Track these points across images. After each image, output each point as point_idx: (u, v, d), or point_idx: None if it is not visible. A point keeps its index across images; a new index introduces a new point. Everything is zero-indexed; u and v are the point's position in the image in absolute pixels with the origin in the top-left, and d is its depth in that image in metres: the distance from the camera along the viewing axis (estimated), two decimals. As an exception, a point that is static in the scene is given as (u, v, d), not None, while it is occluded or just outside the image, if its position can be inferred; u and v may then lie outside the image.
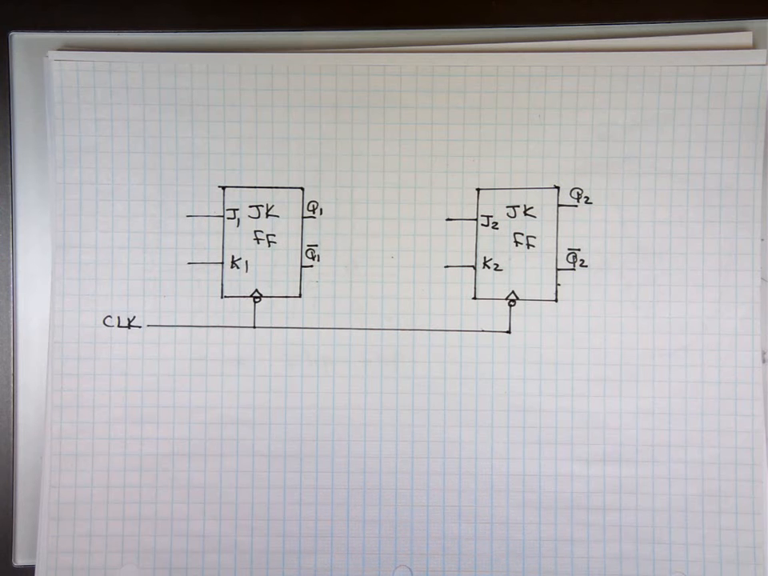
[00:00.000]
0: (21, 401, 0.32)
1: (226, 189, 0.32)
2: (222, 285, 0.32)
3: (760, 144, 0.31)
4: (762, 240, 0.32)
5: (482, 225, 0.32)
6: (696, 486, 0.31)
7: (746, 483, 0.31)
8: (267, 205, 0.32)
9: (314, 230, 0.32)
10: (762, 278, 0.31)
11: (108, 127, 0.32)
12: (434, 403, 0.32)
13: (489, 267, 0.32)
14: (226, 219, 0.32)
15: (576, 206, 0.32)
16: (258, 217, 0.32)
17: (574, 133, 0.31)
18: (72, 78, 0.31)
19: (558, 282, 0.32)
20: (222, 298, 0.32)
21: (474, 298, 0.32)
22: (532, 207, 0.32)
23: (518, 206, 0.32)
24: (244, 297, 0.32)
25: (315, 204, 0.32)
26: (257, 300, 0.32)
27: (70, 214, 0.32)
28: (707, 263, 0.31)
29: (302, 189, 0.32)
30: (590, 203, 0.32)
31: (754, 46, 0.31)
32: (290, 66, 0.32)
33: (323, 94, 0.32)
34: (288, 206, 0.32)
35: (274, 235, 0.32)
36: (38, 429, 0.32)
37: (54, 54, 0.32)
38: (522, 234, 0.32)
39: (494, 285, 0.32)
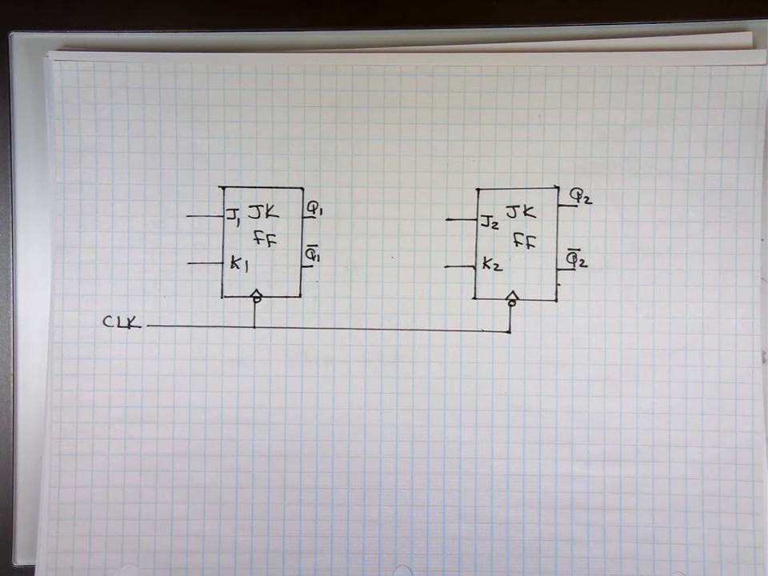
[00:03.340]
0: (21, 401, 0.32)
1: (226, 189, 0.32)
2: (222, 285, 0.32)
3: (760, 144, 0.31)
4: (762, 240, 0.32)
5: (482, 225, 0.32)
6: (696, 485, 0.31)
7: (745, 483, 0.31)
8: (267, 205, 0.32)
9: (314, 230, 0.32)
10: (762, 278, 0.31)
11: (108, 127, 0.32)
12: (434, 403, 0.32)
13: (489, 267, 0.32)
14: (225, 219, 0.32)
15: (576, 206, 0.32)
16: (258, 217, 0.32)
17: (574, 133, 0.31)
18: (72, 77, 0.31)
19: (558, 282, 0.32)
20: (222, 298, 0.32)
21: (474, 298, 0.32)
22: (532, 207, 0.32)
23: (518, 206, 0.32)
24: (244, 297, 0.32)
25: (315, 204, 0.32)
26: (257, 300, 0.32)
27: (69, 214, 0.32)
28: (707, 263, 0.31)
29: (302, 189, 0.32)
30: (590, 203, 0.32)
31: (754, 46, 0.31)
32: (290, 66, 0.32)
33: (323, 94, 0.32)
34: (288, 205, 0.32)
35: (274, 235, 0.32)
36: (37, 429, 0.32)
37: (53, 54, 0.32)
38: (522, 234, 0.32)
39: (493, 285, 0.32)
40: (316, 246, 0.32)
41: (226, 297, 0.32)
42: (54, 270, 0.32)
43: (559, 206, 0.32)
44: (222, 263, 0.32)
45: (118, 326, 0.32)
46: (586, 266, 0.32)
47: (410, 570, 0.32)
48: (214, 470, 0.32)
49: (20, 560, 0.33)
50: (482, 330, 0.32)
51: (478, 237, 0.32)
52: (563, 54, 0.31)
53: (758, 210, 0.31)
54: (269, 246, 0.32)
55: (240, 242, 0.32)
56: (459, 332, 0.32)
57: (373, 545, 0.32)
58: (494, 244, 0.32)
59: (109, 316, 0.32)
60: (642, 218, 0.31)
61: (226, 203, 0.32)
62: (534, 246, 0.32)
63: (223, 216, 0.32)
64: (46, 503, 0.32)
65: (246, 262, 0.32)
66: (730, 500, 0.31)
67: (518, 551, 0.31)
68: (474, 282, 0.32)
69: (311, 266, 0.32)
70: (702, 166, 0.31)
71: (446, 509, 0.32)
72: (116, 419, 0.32)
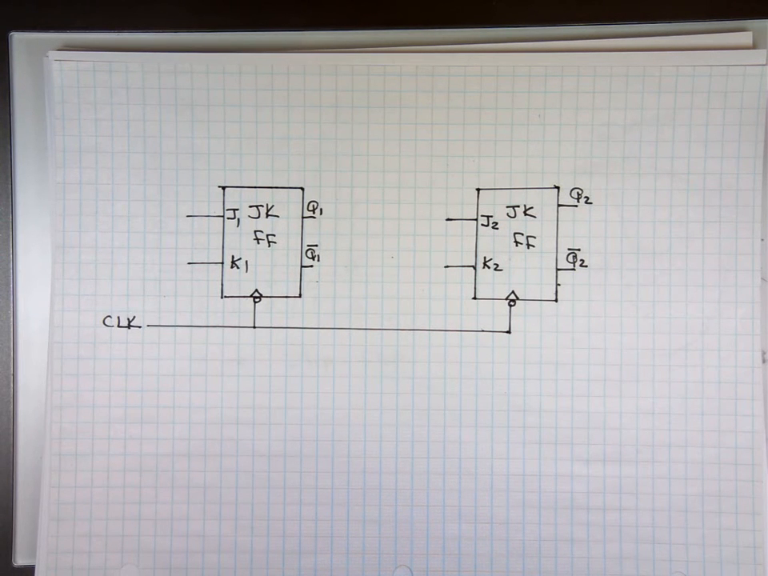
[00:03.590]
0: (21, 401, 0.32)
1: (226, 189, 0.32)
2: (222, 285, 0.32)
3: (760, 144, 0.31)
4: (762, 240, 0.32)
5: (482, 225, 0.32)
6: (696, 485, 0.31)
7: (745, 483, 0.31)
8: (267, 205, 0.32)
9: (314, 230, 0.32)
10: (762, 278, 0.31)
11: (108, 127, 0.32)
12: (433, 403, 0.32)
13: (489, 267, 0.32)
14: (226, 219, 0.32)
15: (576, 206, 0.32)
16: (258, 217, 0.32)
17: (574, 133, 0.31)
18: (72, 77, 0.31)
19: (558, 282, 0.32)
20: (222, 298, 0.32)
21: (474, 298, 0.32)
22: (532, 207, 0.32)
23: (518, 206, 0.32)
24: (244, 297, 0.32)
25: (315, 204, 0.32)
26: (257, 300, 0.32)
27: (69, 214, 0.32)
28: (707, 263, 0.31)
29: (302, 189, 0.32)
30: (590, 203, 0.32)
31: (754, 46, 0.31)
32: (290, 66, 0.32)
33: (323, 94, 0.32)
34: (288, 205, 0.32)
35: (274, 235, 0.32)
36: (37, 429, 0.32)
37: (54, 54, 0.32)
38: (522, 234, 0.32)
39: (493, 285, 0.32)
40: (316, 246, 0.32)
41: (226, 297, 0.32)
42: (54, 270, 0.32)
43: (559, 206, 0.32)
44: (222, 263, 0.32)
45: (118, 326, 0.32)
46: (586, 266, 0.32)
47: (410, 570, 0.32)
48: (214, 470, 0.32)
49: (20, 560, 0.33)
50: (482, 330, 0.32)
51: (478, 237, 0.32)
52: (563, 54, 0.31)
53: (758, 209, 0.31)
54: (269, 245, 0.32)
55: (240, 242, 0.32)
56: (459, 332, 0.32)
57: (373, 545, 0.32)
58: (494, 244, 0.32)
59: (109, 316, 0.32)
60: (642, 218, 0.31)
61: (226, 203, 0.32)
62: (534, 246, 0.32)
63: (223, 216, 0.32)
64: (46, 503, 0.32)
65: (246, 262, 0.32)
66: (730, 500, 0.31)
67: (518, 551, 0.31)
68: (474, 282, 0.32)
69: (311, 266, 0.32)
70: (702, 165, 0.31)
71: (446, 509, 0.32)
72: (116, 419, 0.32)
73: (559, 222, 0.32)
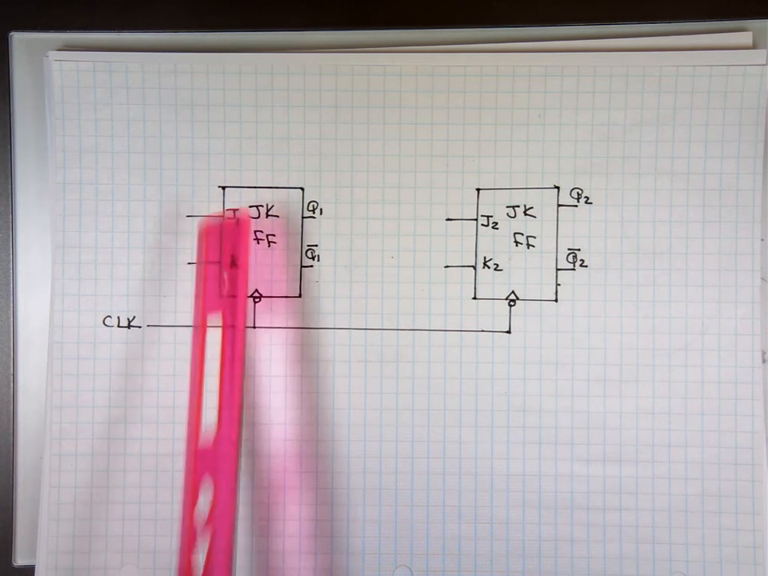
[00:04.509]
0: (21, 401, 0.32)
1: (226, 189, 0.32)
2: (222, 285, 0.32)
3: (760, 144, 0.31)
4: (762, 240, 0.32)
5: (482, 225, 0.32)
6: (696, 486, 0.31)
7: (745, 483, 0.31)
8: (267, 205, 0.32)
9: (314, 230, 0.32)
10: (761, 278, 0.31)
11: (108, 127, 0.32)
12: (433, 403, 0.32)
13: (489, 267, 0.32)
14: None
15: (576, 206, 0.32)
16: (258, 217, 0.32)
17: (574, 133, 0.31)
18: (72, 78, 0.31)
19: (558, 282, 0.32)
20: (221, 298, 0.32)
21: (474, 298, 0.32)
22: (532, 207, 0.32)
23: (518, 206, 0.32)
24: (244, 297, 0.32)
25: (315, 204, 0.32)
26: (257, 300, 0.32)
27: (69, 214, 0.32)
28: (707, 263, 0.31)
29: (302, 189, 0.32)
30: (590, 203, 0.32)
31: (754, 46, 0.31)
32: (290, 66, 0.32)
33: (323, 94, 0.32)
34: (288, 205, 0.32)
35: (273, 235, 0.32)
36: (38, 429, 0.32)
37: (54, 54, 0.32)
38: (522, 234, 0.32)
39: (493, 285, 0.32)
40: (316, 246, 0.32)
41: (226, 297, 0.32)
42: (54, 270, 0.32)
43: (559, 206, 0.32)
44: (222, 263, 0.32)
45: (118, 326, 0.32)
46: (586, 266, 0.32)
47: (410, 570, 0.32)
48: (214, 470, 0.32)
49: (20, 560, 0.33)
50: (482, 330, 0.32)
51: (478, 237, 0.32)
52: (563, 54, 0.31)
53: (758, 209, 0.31)
54: (269, 245, 0.32)
55: (240, 242, 0.32)
56: (459, 332, 0.32)
57: (373, 545, 0.32)
58: (494, 244, 0.32)
59: (109, 316, 0.32)
60: (642, 218, 0.31)
61: (225, 203, 0.32)
62: (534, 246, 0.32)
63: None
64: (46, 503, 0.32)
65: (246, 262, 0.32)
66: (730, 500, 0.31)
67: (518, 551, 0.31)
68: (474, 282, 0.32)
69: (311, 266, 0.32)
70: (702, 166, 0.31)
71: (446, 509, 0.32)
72: (116, 419, 0.32)
73: (559, 222, 0.32)
